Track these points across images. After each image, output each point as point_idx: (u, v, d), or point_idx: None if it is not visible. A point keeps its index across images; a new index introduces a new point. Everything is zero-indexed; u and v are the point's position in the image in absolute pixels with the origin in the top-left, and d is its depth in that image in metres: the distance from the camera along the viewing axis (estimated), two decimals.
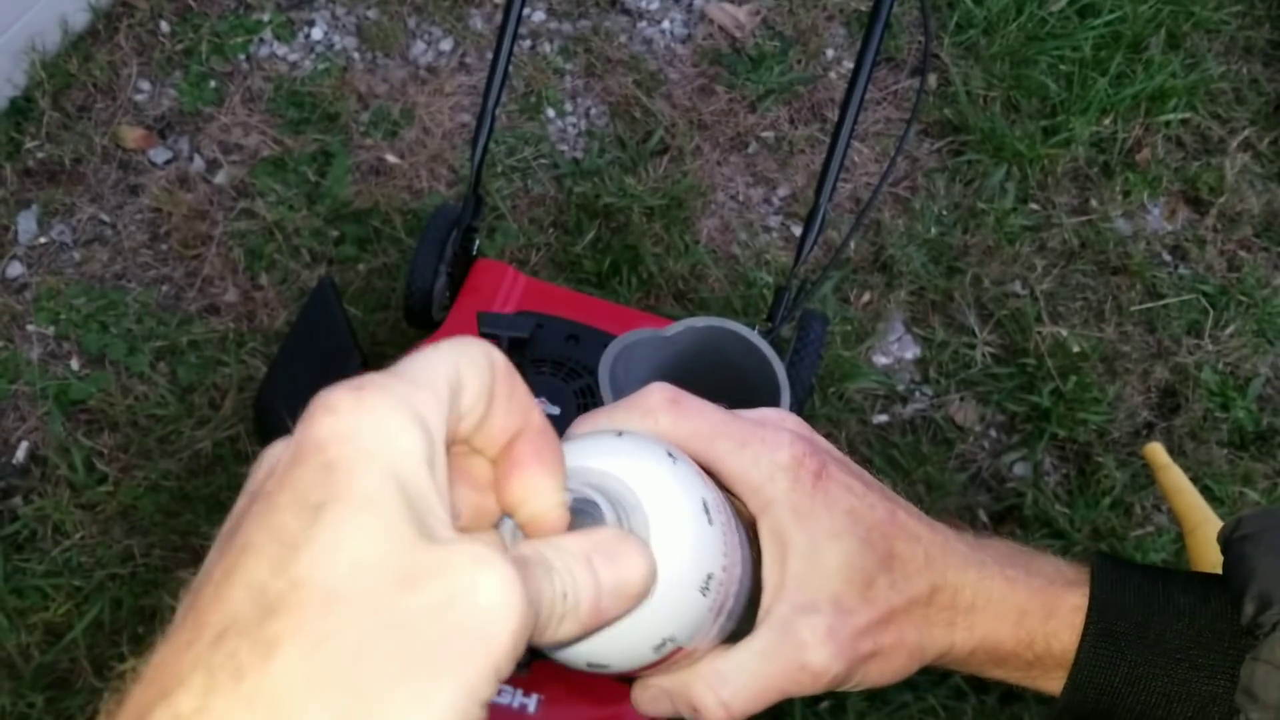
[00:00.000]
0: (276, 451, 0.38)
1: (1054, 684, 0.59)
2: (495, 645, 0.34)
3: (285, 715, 0.32)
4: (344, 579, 0.33)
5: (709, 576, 0.47)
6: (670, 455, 0.48)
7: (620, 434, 0.49)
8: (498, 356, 0.40)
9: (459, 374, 0.39)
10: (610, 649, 0.46)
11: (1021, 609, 0.58)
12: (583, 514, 0.44)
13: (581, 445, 0.47)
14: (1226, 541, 0.59)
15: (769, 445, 0.54)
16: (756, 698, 0.53)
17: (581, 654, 0.46)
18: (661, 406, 0.53)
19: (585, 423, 0.53)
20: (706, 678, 0.52)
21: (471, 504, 0.42)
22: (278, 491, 0.35)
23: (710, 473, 0.52)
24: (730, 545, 0.49)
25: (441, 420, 0.37)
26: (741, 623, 0.53)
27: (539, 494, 0.41)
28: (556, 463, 0.42)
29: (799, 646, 0.52)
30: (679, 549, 0.46)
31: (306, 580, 0.33)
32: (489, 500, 0.43)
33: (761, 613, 0.53)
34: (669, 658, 0.48)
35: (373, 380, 0.37)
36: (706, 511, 0.47)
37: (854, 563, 0.54)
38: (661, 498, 0.46)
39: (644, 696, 0.55)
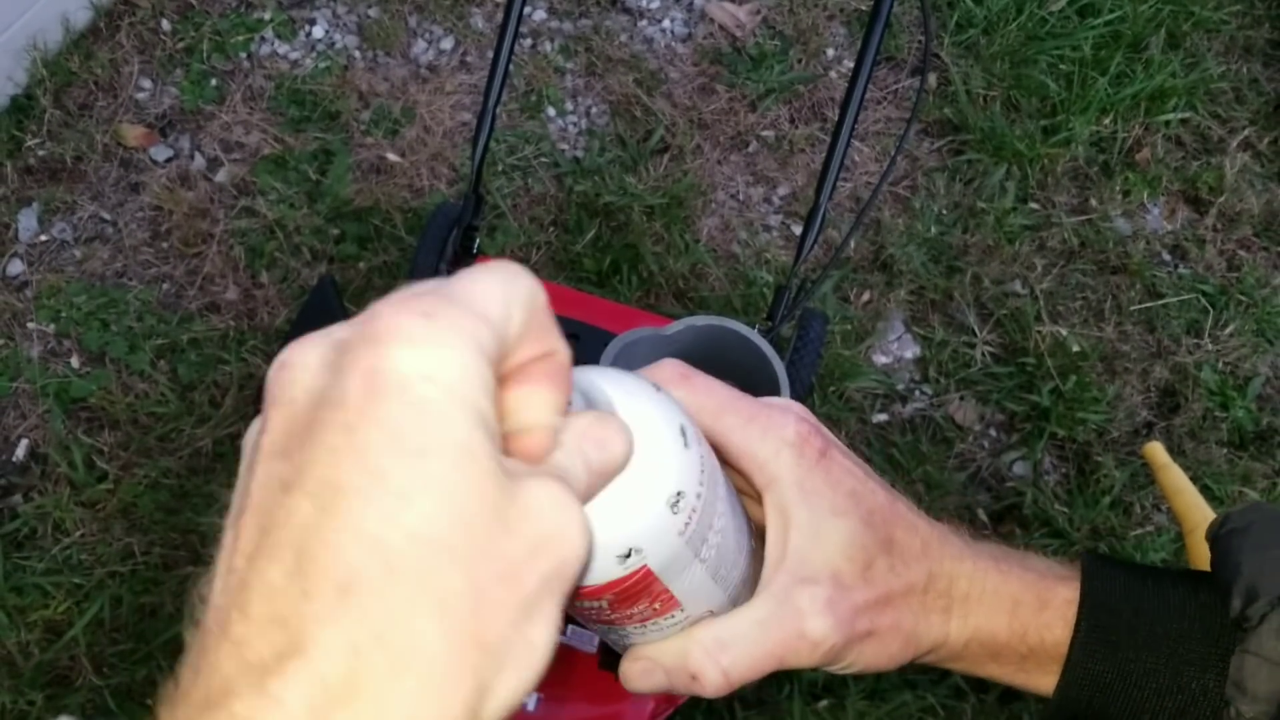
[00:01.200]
0: (311, 361, 0.36)
1: (1047, 682, 0.60)
2: (572, 574, 0.37)
3: (432, 678, 0.33)
4: (456, 533, 0.34)
5: (679, 494, 0.47)
6: (656, 388, 0.49)
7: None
8: (540, 292, 0.40)
9: (508, 307, 0.38)
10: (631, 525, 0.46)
11: (1015, 600, 0.59)
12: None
13: (580, 369, 0.47)
14: (1214, 537, 0.60)
15: (775, 423, 0.54)
16: (755, 665, 0.53)
17: (616, 543, 0.46)
18: (672, 380, 0.54)
19: None
20: (704, 643, 0.52)
21: None
22: (366, 426, 0.34)
23: (716, 447, 0.53)
24: (711, 481, 0.49)
25: (495, 353, 0.37)
26: (739, 599, 0.54)
27: (536, 407, 0.40)
28: (563, 390, 0.41)
29: (798, 615, 0.52)
30: (648, 456, 0.46)
31: (424, 535, 0.33)
32: None
33: (761, 584, 0.53)
34: (635, 579, 0.48)
35: (439, 305, 0.36)
36: (683, 435, 0.48)
37: (855, 541, 0.54)
38: (636, 407, 0.46)
39: (634, 669, 0.54)
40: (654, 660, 0.53)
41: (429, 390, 0.34)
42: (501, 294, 0.38)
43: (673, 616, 0.51)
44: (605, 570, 0.46)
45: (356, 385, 0.34)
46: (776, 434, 0.54)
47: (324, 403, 0.35)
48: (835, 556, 0.54)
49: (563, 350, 0.41)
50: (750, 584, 0.54)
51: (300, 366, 0.36)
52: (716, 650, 0.52)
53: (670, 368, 0.54)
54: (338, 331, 0.37)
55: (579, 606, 0.49)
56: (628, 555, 0.46)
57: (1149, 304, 2.19)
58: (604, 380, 0.47)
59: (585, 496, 0.41)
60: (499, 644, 0.34)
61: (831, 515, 0.54)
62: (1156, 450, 2.01)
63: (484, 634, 0.34)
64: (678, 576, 0.49)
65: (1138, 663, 0.58)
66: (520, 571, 0.35)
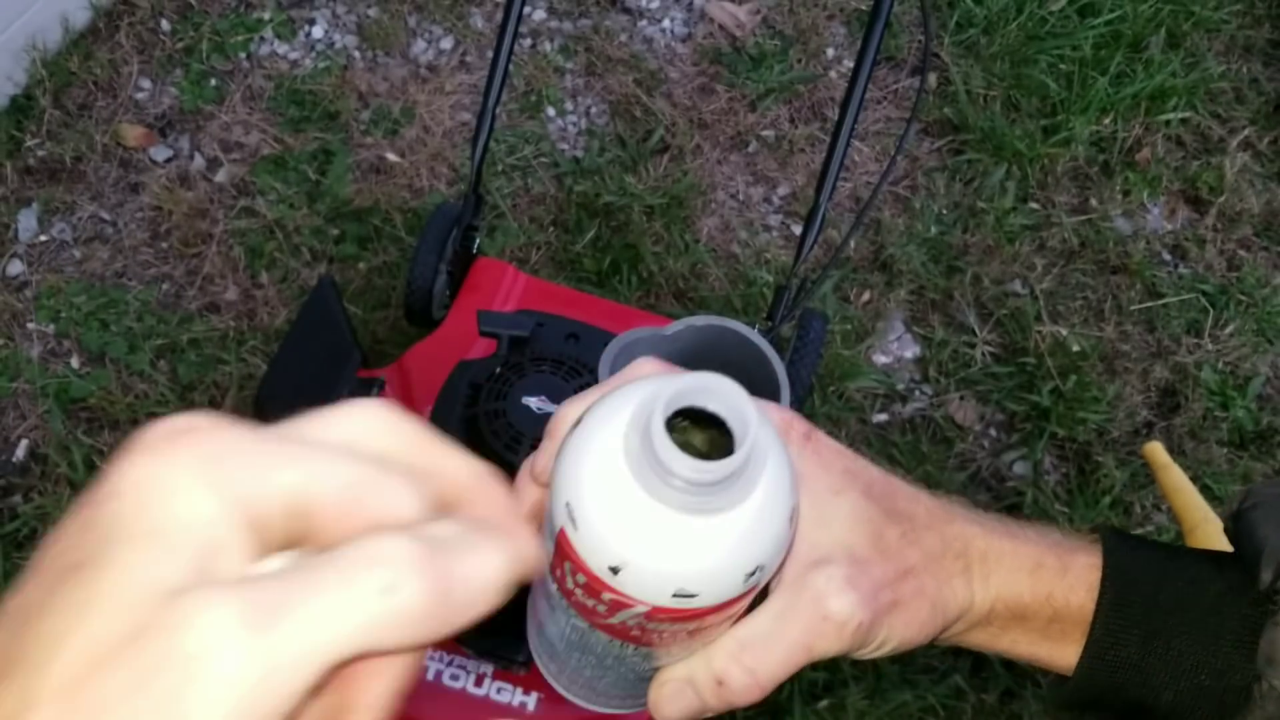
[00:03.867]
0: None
1: (1070, 652, 0.58)
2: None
3: None
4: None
5: (794, 508, 0.46)
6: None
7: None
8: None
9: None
10: (705, 576, 0.45)
11: (1036, 561, 0.57)
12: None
13: (685, 377, 0.45)
14: (1236, 513, 0.59)
15: None
16: (783, 661, 0.51)
17: (672, 580, 0.45)
18: (654, 368, 0.53)
19: (581, 399, 0.51)
20: (727, 648, 0.50)
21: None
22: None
23: None
24: None
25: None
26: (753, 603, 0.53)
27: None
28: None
29: (817, 598, 0.50)
30: (787, 473, 0.46)
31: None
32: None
33: (773, 581, 0.51)
34: (749, 593, 0.47)
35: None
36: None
37: (860, 515, 0.53)
38: (766, 422, 0.46)
39: (664, 694, 0.52)
40: (682, 679, 0.51)
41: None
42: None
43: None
44: (730, 588, 0.45)
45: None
46: None
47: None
48: (844, 534, 0.52)
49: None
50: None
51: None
52: (739, 651, 0.50)
53: (649, 365, 0.53)
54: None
55: (642, 627, 0.47)
56: (754, 573, 0.45)
57: (1149, 304, 2.19)
58: (742, 401, 0.44)
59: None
60: None
61: (831, 494, 0.53)
62: (1157, 450, 2.01)
63: None
64: (772, 569, 0.48)
65: (1163, 637, 0.57)
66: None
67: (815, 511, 0.52)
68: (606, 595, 0.46)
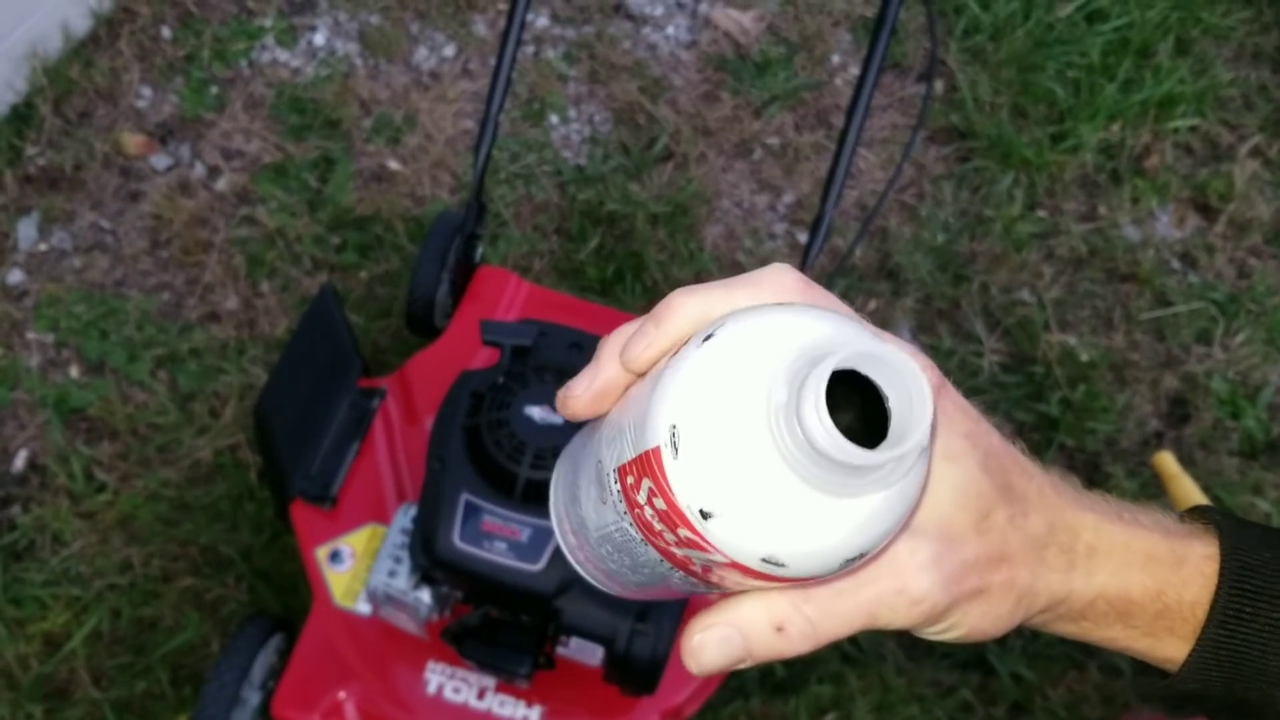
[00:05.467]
0: None
1: (1174, 647, 0.54)
2: None
3: None
4: None
5: (919, 502, 0.44)
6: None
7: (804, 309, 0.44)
8: None
9: None
10: (803, 553, 0.41)
11: (1148, 554, 0.52)
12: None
13: (832, 319, 0.41)
14: None
15: None
16: (846, 621, 0.47)
17: (766, 547, 0.41)
18: (792, 287, 0.47)
19: (701, 293, 0.46)
20: (791, 595, 0.46)
21: None
22: None
23: None
24: None
25: None
26: None
27: None
28: None
29: (897, 570, 0.46)
30: (926, 466, 0.43)
31: None
32: None
33: None
34: (838, 577, 0.44)
35: None
36: None
37: (970, 489, 0.48)
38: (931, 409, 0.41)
39: (708, 638, 0.47)
40: (731, 624, 0.46)
41: None
42: None
43: None
44: (826, 566, 0.42)
45: None
46: None
47: None
48: (947, 505, 0.48)
49: None
50: None
51: None
52: (803, 601, 0.46)
53: (788, 274, 0.47)
54: None
55: (708, 568, 0.43)
56: (857, 558, 0.42)
57: (1158, 312, 2.17)
58: (920, 387, 0.40)
59: None
60: None
61: (944, 459, 0.47)
62: (1167, 460, 1.99)
63: None
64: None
65: None
66: None
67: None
68: (684, 532, 0.42)
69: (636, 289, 2.08)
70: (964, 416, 0.49)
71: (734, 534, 0.40)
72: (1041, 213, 2.25)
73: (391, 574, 1.42)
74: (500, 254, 2.10)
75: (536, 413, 1.32)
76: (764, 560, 0.41)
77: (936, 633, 0.50)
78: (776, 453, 0.39)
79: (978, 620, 0.49)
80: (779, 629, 0.46)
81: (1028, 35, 2.39)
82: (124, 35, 2.26)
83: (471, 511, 1.30)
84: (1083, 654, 1.84)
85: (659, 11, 2.42)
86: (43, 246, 2.07)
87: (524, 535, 1.30)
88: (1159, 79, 2.37)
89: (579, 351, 1.40)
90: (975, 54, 2.40)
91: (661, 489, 0.41)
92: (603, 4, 2.41)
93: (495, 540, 1.29)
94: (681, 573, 0.45)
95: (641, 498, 0.42)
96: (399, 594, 1.41)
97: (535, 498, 1.31)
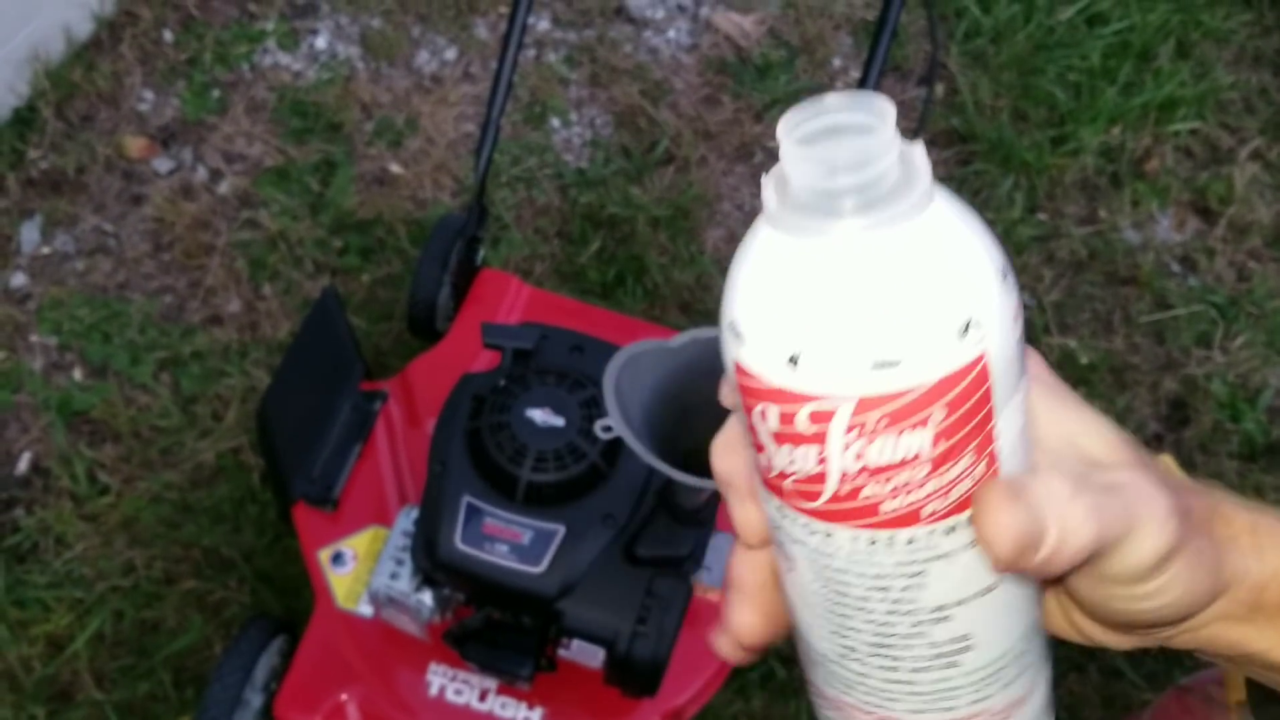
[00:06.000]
0: None
1: None
2: None
3: None
4: None
5: (1005, 272, 0.40)
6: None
7: None
8: None
9: None
10: (899, 329, 0.35)
11: None
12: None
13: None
14: None
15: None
16: (1094, 533, 0.39)
17: (862, 344, 0.35)
18: None
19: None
20: (1053, 486, 0.39)
21: None
22: None
23: None
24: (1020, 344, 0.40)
25: None
26: None
27: None
28: None
29: (1148, 486, 0.41)
30: (977, 227, 0.41)
31: None
32: None
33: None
34: (972, 378, 0.36)
35: None
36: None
37: (1131, 441, 0.43)
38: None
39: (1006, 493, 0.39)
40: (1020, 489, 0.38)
41: None
42: None
43: (966, 514, 0.39)
44: (939, 349, 0.35)
45: None
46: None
47: None
48: (1125, 448, 0.42)
49: None
50: None
51: None
52: (1066, 499, 0.38)
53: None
54: None
55: (868, 471, 0.37)
56: (966, 329, 0.36)
57: (1158, 315, 2.17)
58: (870, 95, 0.38)
59: None
60: None
61: (1084, 407, 0.43)
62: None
63: None
64: (1004, 406, 0.37)
65: None
66: None
67: (1079, 425, 0.42)
68: (802, 421, 0.36)
69: (638, 292, 2.08)
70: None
71: (826, 355, 0.35)
72: (1042, 216, 2.26)
73: (393, 576, 1.42)
74: (501, 257, 2.10)
75: (538, 415, 1.32)
76: (877, 367, 0.35)
77: (1146, 590, 0.42)
78: (800, 237, 0.37)
79: (1187, 583, 0.42)
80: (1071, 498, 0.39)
81: (1028, 38, 2.40)
82: (126, 39, 2.27)
83: (473, 514, 1.31)
84: (1083, 656, 1.84)
85: (660, 15, 2.43)
86: (46, 249, 2.08)
87: (525, 538, 1.30)
88: (1159, 82, 2.37)
89: (580, 355, 1.41)
90: (976, 57, 2.40)
91: (754, 391, 0.37)
92: (604, 7, 2.42)
93: (497, 543, 1.29)
94: (882, 549, 0.39)
95: (764, 437, 0.38)
96: (401, 596, 1.41)
97: (536, 500, 1.31)
